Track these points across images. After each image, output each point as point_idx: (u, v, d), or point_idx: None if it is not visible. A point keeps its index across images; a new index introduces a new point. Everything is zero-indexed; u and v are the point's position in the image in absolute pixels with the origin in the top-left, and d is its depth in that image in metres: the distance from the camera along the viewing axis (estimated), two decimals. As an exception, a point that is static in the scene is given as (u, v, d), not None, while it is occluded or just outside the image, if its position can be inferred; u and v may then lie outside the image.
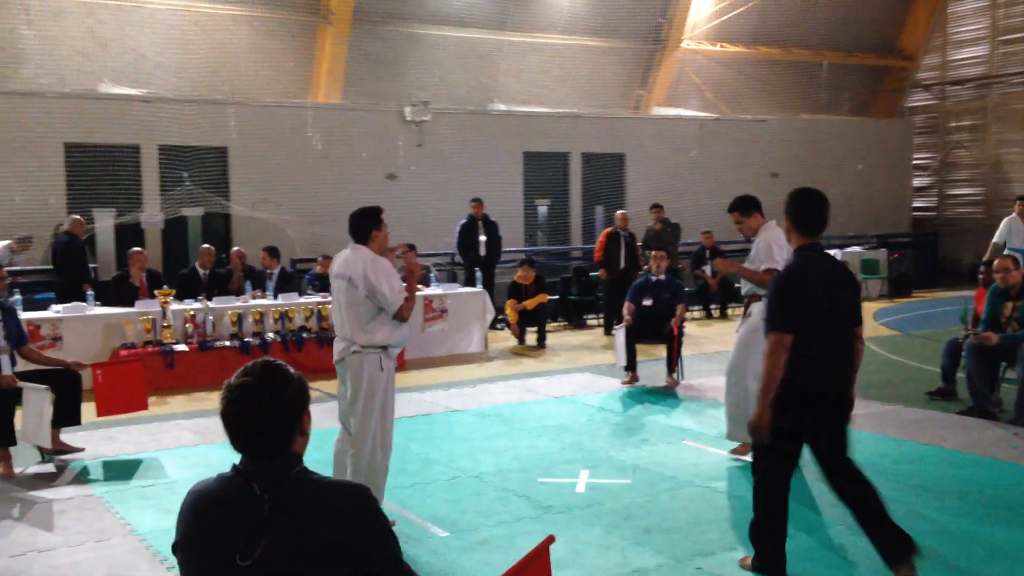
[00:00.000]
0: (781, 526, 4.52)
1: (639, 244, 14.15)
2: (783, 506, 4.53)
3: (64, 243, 12.07)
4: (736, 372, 6.71)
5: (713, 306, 15.70)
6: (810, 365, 4.36)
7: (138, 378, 7.49)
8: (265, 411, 2.25)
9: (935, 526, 5.27)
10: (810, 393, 4.42)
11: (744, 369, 6.60)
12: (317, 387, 9.72)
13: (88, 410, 7.33)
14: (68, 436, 7.29)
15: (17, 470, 6.72)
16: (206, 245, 12.25)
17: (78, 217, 12.49)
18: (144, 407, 7.60)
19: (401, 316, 5.39)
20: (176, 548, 2.33)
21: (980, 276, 8.63)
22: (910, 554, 4.33)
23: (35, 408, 6.69)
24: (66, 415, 7.02)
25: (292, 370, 2.35)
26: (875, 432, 7.39)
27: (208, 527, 2.25)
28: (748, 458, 6.57)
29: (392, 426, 5.53)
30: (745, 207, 6.83)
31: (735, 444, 6.81)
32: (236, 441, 2.28)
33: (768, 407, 4.33)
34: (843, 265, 4.77)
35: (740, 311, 7.54)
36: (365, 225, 5.49)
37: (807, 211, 4.68)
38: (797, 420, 4.42)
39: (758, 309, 6.63)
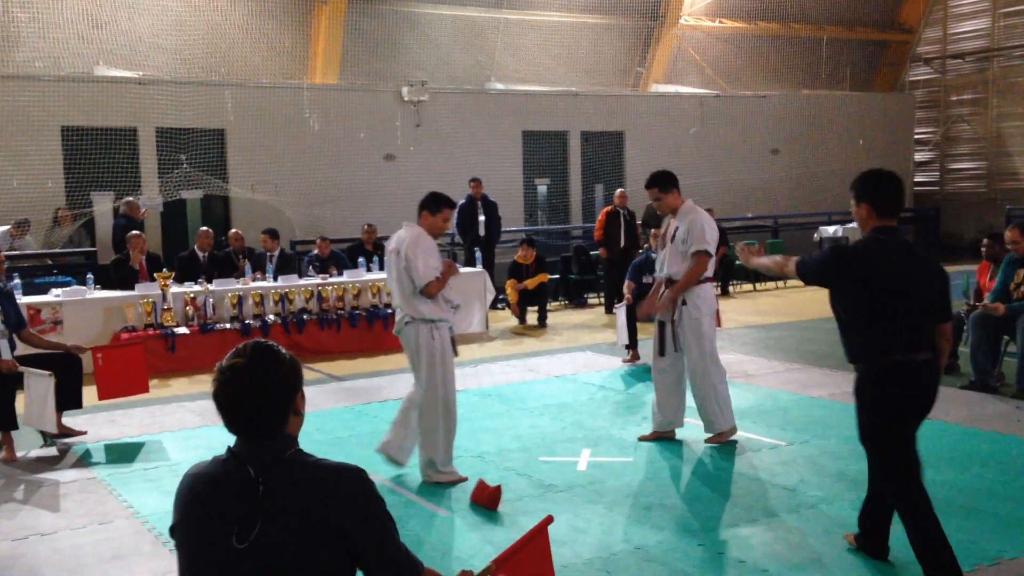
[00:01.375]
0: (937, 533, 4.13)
1: (638, 223, 14.11)
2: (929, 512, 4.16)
3: (122, 225, 12.29)
4: (705, 364, 6.47)
5: (714, 283, 15.66)
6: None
7: (138, 361, 7.48)
8: (257, 392, 2.23)
9: (937, 500, 5.25)
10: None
11: (708, 359, 6.46)
12: (319, 368, 9.73)
13: (90, 393, 7.33)
14: (70, 419, 7.30)
15: (20, 454, 6.73)
16: (205, 228, 12.23)
17: (132, 199, 12.86)
18: (145, 390, 7.59)
19: (426, 292, 5.69)
20: (173, 531, 2.33)
21: (983, 249, 8.57)
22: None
23: (38, 393, 6.69)
24: (68, 398, 7.03)
25: (284, 350, 2.33)
26: (876, 407, 7.38)
27: (204, 510, 2.25)
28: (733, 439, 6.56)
29: (453, 394, 5.93)
30: (664, 183, 6.50)
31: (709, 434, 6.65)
32: (230, 423, 2.27)
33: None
34: (926, 255, 4.30)
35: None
36: (423, 205, 6.04)
37: (881, 192, 4.19)
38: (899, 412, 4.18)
39: (697, 294, 6.43)
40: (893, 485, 4.18)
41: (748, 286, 15.85)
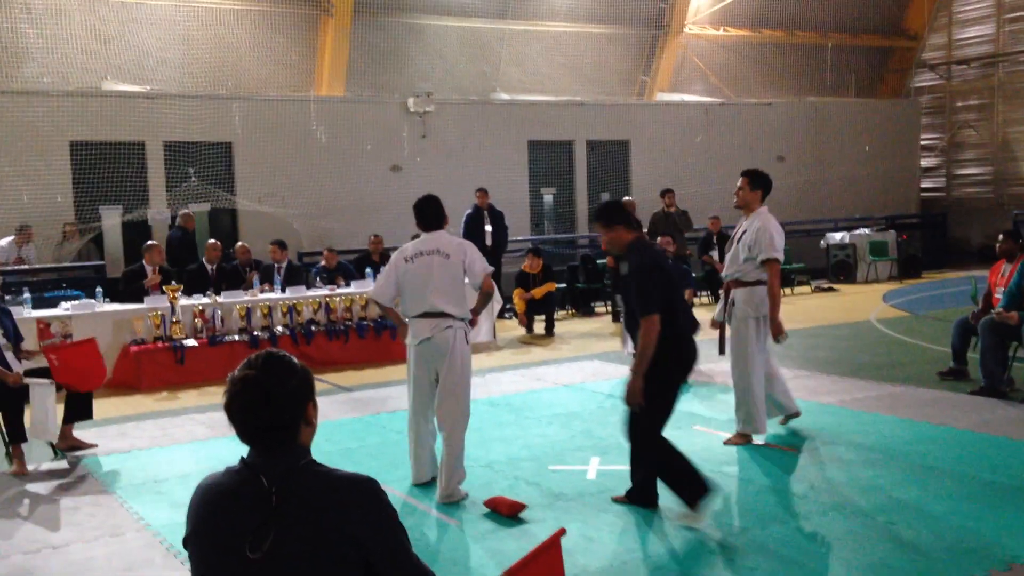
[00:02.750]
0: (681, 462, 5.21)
1: (645, 231, 14.10)
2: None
3: (178, 237, 12.65)
4: (744, 363, 6.68)
5: (721, 291, 15.64)
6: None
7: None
8: (269, 403, 2.23)
9: (948, 506, 5.26)
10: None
11: (749, 359, 6.63)
12: (327, 379, 9.74)
13: (99, 407, 7.35)
14: (81, 433, 7.32)
15: (30, 467, 6.75)
16: (212, 240, 12.28)
17: (188, 212, 13.34)
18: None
19: (488, 285, 5.86)
20: (187, 542, 2.33)
21: (998, 245, 8.50)
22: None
23: (40, 403, 6.71)
24: (78, 411, 7.06)
25: (296, 360, 2.33)
26: (887, 413, 7.37)
27: (217, 520, 2.25)
28: (760, 441, 6.64)
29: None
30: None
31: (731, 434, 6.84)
32: (242, 434, 2.27)
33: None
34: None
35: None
36: (440, 212, 5.91)
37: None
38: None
39: (744, 297, 6.66)
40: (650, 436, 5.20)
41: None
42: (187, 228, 13.06)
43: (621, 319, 10.47)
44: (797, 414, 7.05)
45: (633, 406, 5.12)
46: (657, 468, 5.30)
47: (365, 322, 10.95)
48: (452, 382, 5.74)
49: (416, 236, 14.12)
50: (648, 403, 5.10)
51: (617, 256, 5.27)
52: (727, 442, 6.72)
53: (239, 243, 12.82)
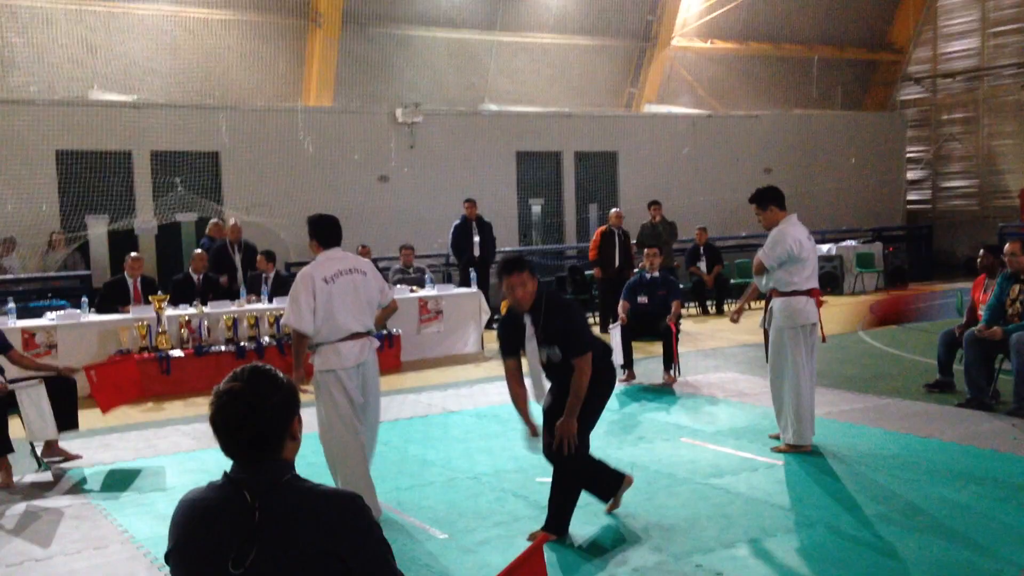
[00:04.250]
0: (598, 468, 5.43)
1: (633, 242, 14.14)
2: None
3: (218, 247, 12.65)
4: (779, 373, 6.76)
5: (709, 302, 15.70)
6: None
7: (132, 372, 7.64)
8: (254, 416, 2.22)
9: (935, 519, 5.27)
10: None
11: (785, 369, 6.68)
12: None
13: (83, 418, 7.30)
14: (65, 444, 7.26)
15: (15, 478, 6.69)
16: (199, 250, 12.24)
17: (218, 220, 13.44)
18: (141, 394, 7.69)
19: (393, 306, 5.99)
20: (168, 557, 2.31)
21: (979, 260, 8.56)
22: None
23: (33, 404, 6.66)
24: (64, 420, 7.00)
25: (281, 374, 2.32)
26: (873, 425, 7.39)
27: (200, 535, 2.23)
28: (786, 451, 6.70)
29: None
30: (761, 200, 6.84)
31: (778, 443, 6.89)
32: (227, 447, 2.26)
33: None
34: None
35: (735, 306, 7.59)
36: (338, 229, 5.76)
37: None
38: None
39: (779, 306, 6.70)
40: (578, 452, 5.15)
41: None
42: (214, 238, 13.06)
43: (609, 330, 10.48)
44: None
45: (570, 444, 5.01)
46: (584, 483, 5.33)
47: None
48: (376, 400, 5.75)
49: (407, 247, 14.11)
50: (582, 432, 5.14)
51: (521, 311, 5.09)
52: (775, 449, 6.79)
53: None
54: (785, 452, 6.71)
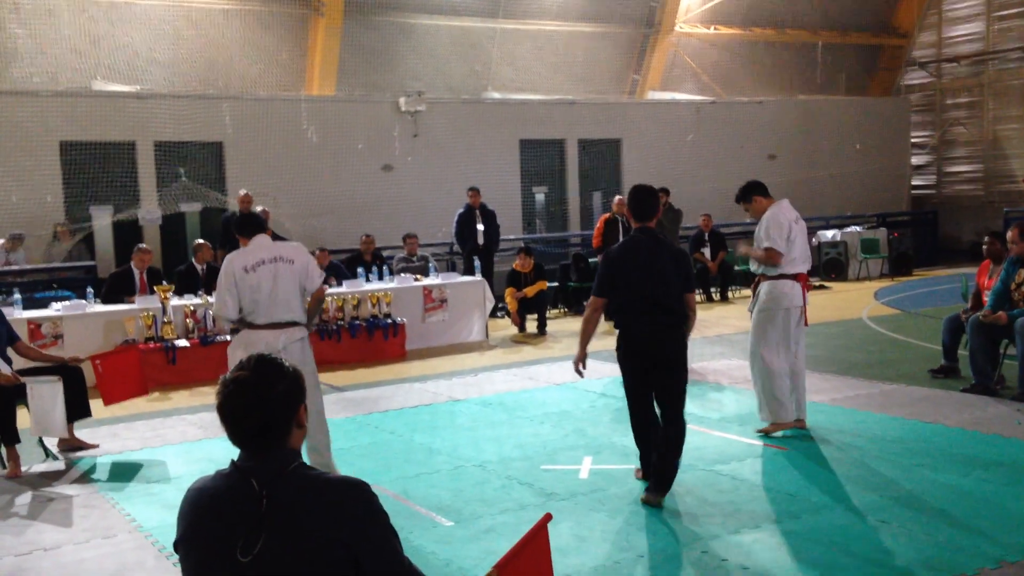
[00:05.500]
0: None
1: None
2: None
3: (226, 217, 12.63)
4: (755, 354, 6.85)
5: (713, 289, 15.69)
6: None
7: (136, 364, 7.57)
8: (261, 405, 2.25)
9: (939, 504, 5.28)
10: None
11: (758, 350, 6.77)
12: (319, 379, 9.70)
13: (91, 407, 7.33)
14: (80, 432, 7.33)
15: (23, 468, 6.73)
16: (202, 240, 12.24)
17: (245, 193, 13.11)
18: (145, 392, 7.72)
19: (321, 293, 6.01)
20: (177, 545, 2.33)
21: (984, 247, 8.54)
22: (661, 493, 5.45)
23: (45, 400, 6.69)
24: (76, 410, 7.05)
25: (286, 363, 2.35)
26: (878, 412, 7.40)
27: (208, 524, 2.25)
28: (779, 434, 6.73)
29: None
30: (745, 195, 7.03)
31: (763, 424, 6.93)
32: (234, 436, 2.28)
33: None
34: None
35: (746, 293, 7.60)
36: (256, 220, 6.02)
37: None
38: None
39: (766, 289, 6.72)
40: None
41: (747, 291, 15.84)
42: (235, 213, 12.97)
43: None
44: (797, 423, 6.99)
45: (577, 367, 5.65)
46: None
47: (357, 322, 10.94)
48: (311, 394, 5.75)
49: (411, 236, 14.10)
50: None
51: None
52: (758, 431, 6.87)
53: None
54: (765, 434, 6.77)
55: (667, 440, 5.49)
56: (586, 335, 5.62)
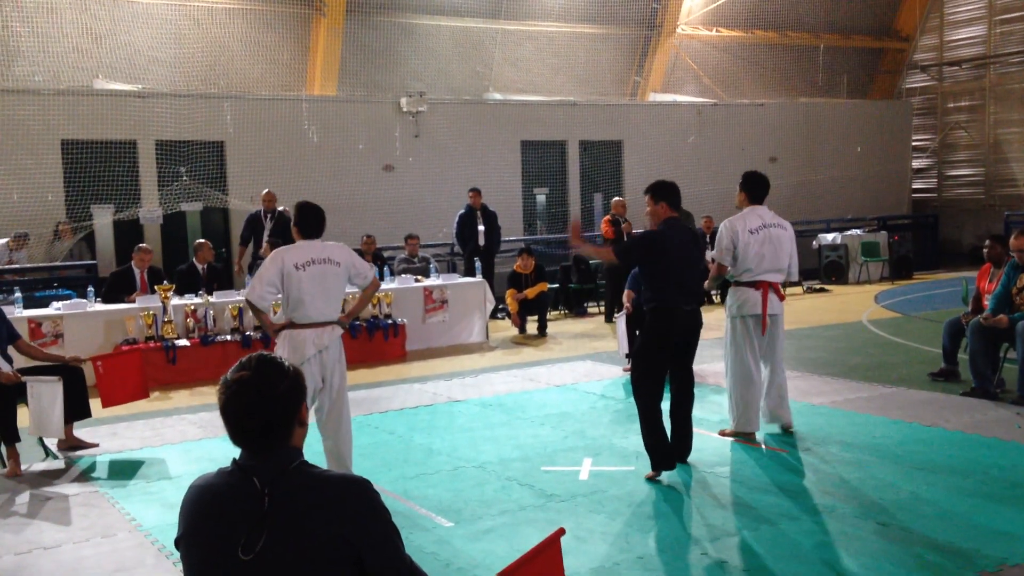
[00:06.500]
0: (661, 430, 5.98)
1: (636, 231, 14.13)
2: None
3: (250, 215, 12.54)
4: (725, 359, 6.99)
5: (713, 292, 15.68)
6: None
7: (137, 367, 7.55)
8: (263, 404, 2.25)
9: (939, 507, 5.28)
10: None
11: (726, 355, 6.92)
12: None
13: (93, 406, 7.34)
14: (80, 432, 7.33)
15: (23, 467, 6.73)
16: (202, 240, 12.25)
17: (268, 191, 12.91)
18: (145, 396, 7.67)
19: (375, 284, 6.15)
20: (179, 543, 2.33)
21: (985, 251, 8.53)
22: (672, 463, 5.89)
23: (45, 400, 6.69)
24: (76, 410, 7.05)
25: (287, 363, 2.35)
26: (877, 414, 7.40)
27: (209, 522, 2.26)
28: (728, 439, 6.83)
29: None
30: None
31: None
32: (235, 436, 2.28)
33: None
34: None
35: (721, 295, 7.59)
36: (323, 221, 5.95)
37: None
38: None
39: (728, 298, 6.96)
40: (637, 389, 5.99)
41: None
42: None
43: (615, 319, 10.51)
44: (785, 427, 6.98)
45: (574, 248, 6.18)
46: (640, 417, 6.02)
47: (358, 322, 10.94)
48: (339, 387, 5.80)
49: (412, 237, 14.09)
50: (636, 357, 6.11)
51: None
52: (721, 432, 6.94)
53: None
54: (729, 437, 6.82)
55: (682, 391, 6.11)
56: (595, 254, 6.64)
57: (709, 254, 6.75)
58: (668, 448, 5.96)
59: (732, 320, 6.83)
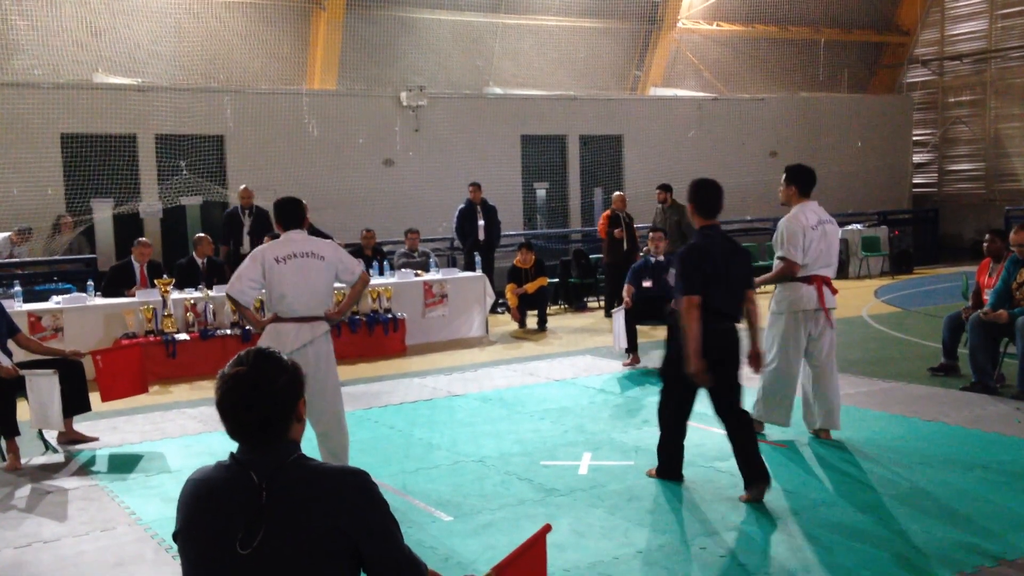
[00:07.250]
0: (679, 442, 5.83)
1: (635, 226, 14.10)
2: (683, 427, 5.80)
3: (228, 212, 12.67)
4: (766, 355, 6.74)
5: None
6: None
7: (136, 362, 7.55)
8: (260, 399, 2.25)
9: (939, 502, 5.28)
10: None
11: (768, 351, 6.66)
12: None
13: (93, 400, 7.34)
14: (79, 426, 7.33)
15: (23, 461, 6.73)
16: (202, 234, 12.23)
17: (245, 187, 13.05)
18: (144, 391, 7.66)
19: (364, 280, 5.96)
20: (176, 537, 2.33)
21: (985, 245, 8.52)
22: (763, 484, 5.41)
23: (43, 393, 6.69)
24: (75, 404, 7.05)
25: (285, 357, 2.35)
26: (878, 409, 7.40)
27: (207, 516, 2.25)
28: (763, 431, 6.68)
29: None
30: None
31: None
32: (233, 430, 2.28)
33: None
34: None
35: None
36: (304, 213, 5.93)
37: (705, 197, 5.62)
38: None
39: (776, 292, 6.73)
40: (666, 401, 5.79)
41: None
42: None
43: (614, 313, 10.50)
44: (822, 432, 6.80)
45: (697, 380, 5.45)
46: (662, 435, 5.85)
47: (357, 316, 10.94)
48: (327, 382, 5.70)
49: (412, 231, 14.06)
50: (668, 363, 5.80)
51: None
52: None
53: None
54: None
55: (740, 427, 5.56)
56: (696, 337, 5.31)
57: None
58: (679, 459, 5.82)
59: (781, 316, 6.60)
